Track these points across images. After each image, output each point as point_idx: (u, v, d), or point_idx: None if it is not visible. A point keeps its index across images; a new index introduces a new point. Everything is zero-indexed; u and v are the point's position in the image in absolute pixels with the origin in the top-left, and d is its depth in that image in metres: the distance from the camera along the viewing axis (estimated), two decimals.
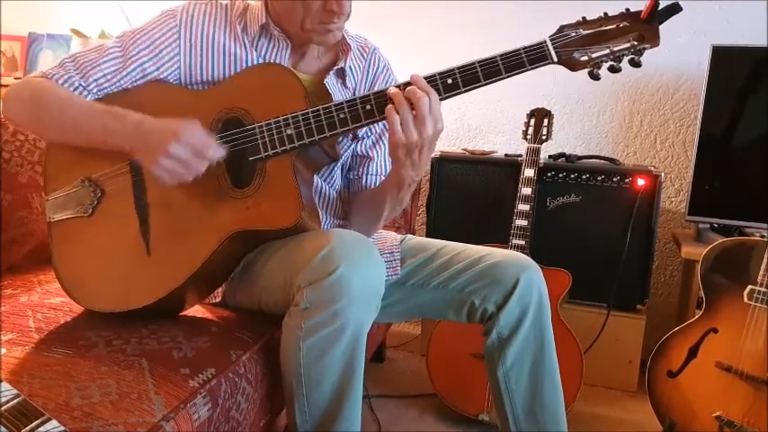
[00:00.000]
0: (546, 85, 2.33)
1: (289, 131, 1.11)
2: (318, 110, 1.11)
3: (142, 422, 0.84)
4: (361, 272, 1.04)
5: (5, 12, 2.80)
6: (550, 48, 1.07)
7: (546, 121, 1.92)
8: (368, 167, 1.36)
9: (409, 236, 1.45)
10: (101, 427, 0.81)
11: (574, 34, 1.08)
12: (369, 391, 1.84)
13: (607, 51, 1.07)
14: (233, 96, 1.16)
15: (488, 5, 2.36)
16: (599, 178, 1.97)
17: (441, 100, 1.09)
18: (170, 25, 1.20)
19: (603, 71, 1.09)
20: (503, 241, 1.81)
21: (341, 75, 1.29)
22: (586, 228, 1.97)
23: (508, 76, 1.09)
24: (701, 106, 1.92)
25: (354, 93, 1.32)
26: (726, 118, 1.92)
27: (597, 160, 2.08)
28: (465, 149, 2.27)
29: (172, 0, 1.31)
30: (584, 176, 1.98)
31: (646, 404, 1.63)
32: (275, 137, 1.11)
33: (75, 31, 2.56)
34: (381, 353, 2.18)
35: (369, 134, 1.35)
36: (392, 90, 1.08)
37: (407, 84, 1.09)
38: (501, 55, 1.08)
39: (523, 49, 1.08)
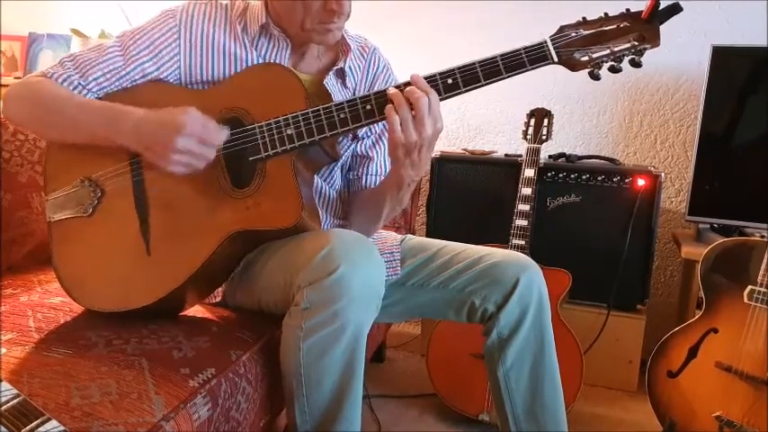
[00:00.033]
0: (546, 85, 2.33)
1: (289, 131, 1.11)
2: (318, 110, 1.11)
3: (142, 422, 0.84)
4: (362, 272, 1.04)
5: (5, 12, 2.80)
6: (551, 48, 1.07)
7: (546, 121, 1.92)
8: (368, 167, 1.36)
9: (409, 236, 1.45)
10: (101, 427, 0.81)
11: (574, 34, 1.08)
12: (369, 391, 1.84)
13: (607, 51, 1.07)
14: (233, 96, 1.16)
15: (488, 5, 2.36)
16: (599, 178, 1.97)
17: (441, 100, 1.09)
18: (170, 25, 1.20)
19: (604, 71, 1.09)
20: (503, 241, 1.81)
21: (341, 75, 1.29)
22: (586, 228, 1.97)
23: (508, 77, 1.09)
24: (701, 106, 1.92)
25: (354, 93, 1.32)
26: (726, 118, 1.92)
27: (597, 160, 2.08)
28: (465, 149, 2.27)
29: (172, 0, 1.31)
30: (584, 176, 1.98)
31: (646, 404, 1.63)
32: (275, 137, 1.11)
33: (76, 31, 2.57)
34: (381, 353, 2.18)
35: (369, 134, 1.35)
36: (392, 90, 1.08)
37: (407, 84, 1.09)
38: (501, 55, 1.08)
39: (524, 49, 1.08)
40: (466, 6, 2.39)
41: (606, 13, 1.08)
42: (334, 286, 1.02)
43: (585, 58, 1.08)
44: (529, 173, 1.86)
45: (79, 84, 1.17)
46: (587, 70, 1.09)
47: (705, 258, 1.58)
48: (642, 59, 1.08)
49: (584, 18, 1.09)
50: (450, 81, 1.09)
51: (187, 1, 1.23)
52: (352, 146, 1.35)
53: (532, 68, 1.08)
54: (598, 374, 1.96)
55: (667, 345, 1.60)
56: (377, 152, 1.37)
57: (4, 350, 1.00)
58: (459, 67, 1.09)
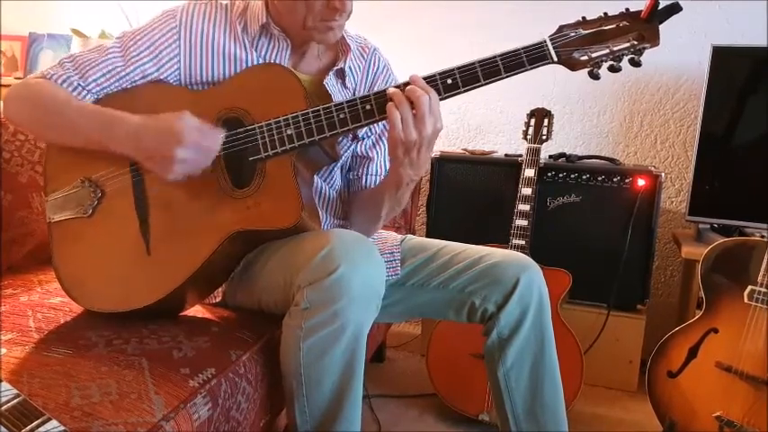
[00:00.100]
0: (546, 85, 2.33)
1: (289, 131, 1.11)
2: (318, 110, 1.11)
3: (142, 422, 0.84)
4: (362, 272, 1.04)
5: (5, 12, 2.80)
6: (550, 47, 1.07)
7: (546, 121, 1.92)
8: (368, 168, 1.36)
9: (409, 236, 1.45)
10: (101, 427, 0.81)
11: (573, 34, 1.08)
12: (369, 391, 1.84)
13: (607, 51, 1.07)
14: (233, 96, 1.16)
15: (488, 5, 2.36)
16: (599, 178, 1.97)
17: (440, 100, 1.09)
18: (170, 26, 1.20)
19: (603, 71, 1.09)
20: (503, 241, 1.81)
21: (341, 75, 1.29)
22: (586, 228, 1.97)
23: (508, 76, 1.09)
24: (702, 106, 1.92)
25: (354, 93, 1.32)
26: (726, 118, 1.92)
27: (597, 160, 2.08)
28: (465, 149, 2.27)
29: (172, 0, 1.31)
30: (584, 176, 1.98)
31: (646, 404, 1.63)
32: (275, 137, 1.11)
33: (76, 31, 2.57)
34: (381, 353, 2.18)
35: (369, 135, 1.35)
36: (392, 90, 1.08)
37: (407, 84, 1.09)
38: (501, 55, 1.08)
39: (523, 48, 1.08)
40: (466, 6, 2.39)
41: (605, 13, 1.08)
42: (334, 286, 1.02)
43: (585, 58, 1.08)
44: (529, 173, 1.86)
45: (79, 85, 1.17)
46: (587, 70, 1.09)
47: (705, 258, 1.58)
48: (642, 59, 1.08)
49: (583, 18, 1.09)
50: (449, 81, 1.09)
51: (187, 1, 1.23)
52: (352, 146, 1.35)
53: (532, 68, 1.08)
54: (598, 374, 1.96)
55: (667, 345, 1.60)
56: (377, 152, 1.37)
57: (4, 350, 1.00)
58: (458, 67, 1.09)
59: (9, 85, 1.58)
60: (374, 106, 1.10)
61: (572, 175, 1.98)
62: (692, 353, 1.56)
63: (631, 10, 1.08)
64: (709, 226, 2.03)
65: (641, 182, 1.92)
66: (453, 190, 2.10)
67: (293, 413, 1.10)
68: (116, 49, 1.19)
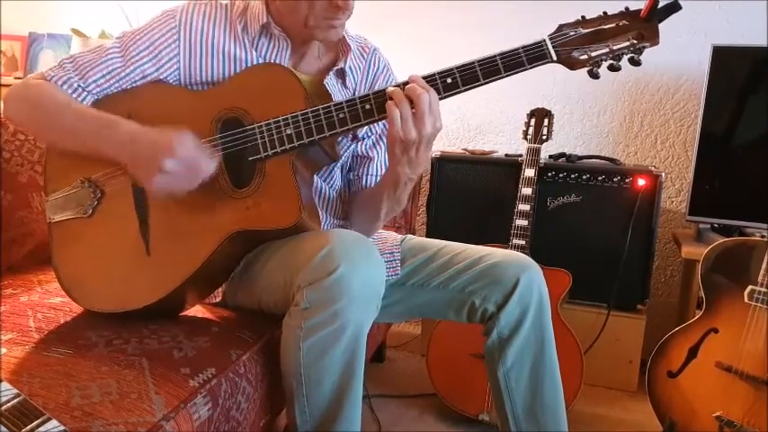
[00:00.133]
0: (546, 84, 2.33)
1: (288, 131, 1.11)
2: (318, 110, 1.11)
3: (142, 422, 0.84)
4: (361, 272, 1.04)
5: (5, 12, 2.80)
6: (549, 46, 1.07)
7: (546, 121, 1.92)
8: (368, 168, 1.36)
9: (409, 236, 1.45)
10: (101, 427, 0.81)
11: (573, 33, 1.08)
12: (369, 391, 1.84)
13: (606, 50, 1.07)
14: (232, 96, 1.16)
15: (488, 5, 2.36)
16: (599, 178, 1.97)
17: (440, 99, 1.09)
18: (170, 26, 1.20)
19: (603, 70, 1.09)
20: (503, 241, 1.81)
21: (341, 75, 1.29)
22: (587, 228, 1.97)
23: (507, 76, 1.08)
24: (702, 106, 1.92)
25: (354, 93, 1.32)
26: (726, 118, 1.92)
27: (597, 160, 2.08)
28: (465, 149, 2.27)
29: (172, 0, 1.31)
30: (584, 176, 1.98)
31: (646, 404, 1.63)
32: (275, 137, 1.11)
33: (76, 31, 2.57)
34: (381, 353, 2.18)
35: (369, 135, 1.35)
36: (392, 88, 1.08)
37: (406, 83, 1.09)
38: (500, 54, 1.08)
39: (522, 48, 1.08)
40: (466, 6, 2.39)
41: (605, 12, 1.08)
42: (334, 286, 1.02)
43: (584, 57, 1.08)
44: (529, 173, 1.86)
45: (79, 86, 1.17)
46: (586, 69, 1.09)
47: (705, 258, 1.58)
48: (641, 58, 1.08)
49: (582, 17, 1.09)
50: (449, 80, 1.09)
51: (187, 1, 1.23)
52: (352, 146, 1.35)
53: (531, 67, 1.08)
54: (598, 374, 1.96)
55: (667, 345, 1.60)
56: (377, 152, 1.37)
57: (4, 350, 1.00)
58: (458, 67, 1.09)
59: (9, 85, 1.59)
60: (374, 106, 1.10)
61: (572, 175, 1.98)
62: (692, 353, 1.56)
63: (631, 9, 1.07)
64: (709, 226, 2.03)
65: (641, 182, 1.92)
66: (453, 190, 2.10)
67: (293, 413, 1.10)
68: (116, 49, 1.19)
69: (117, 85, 1.19)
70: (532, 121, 1.93)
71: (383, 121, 1.10)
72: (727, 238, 1.69)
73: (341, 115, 1.10)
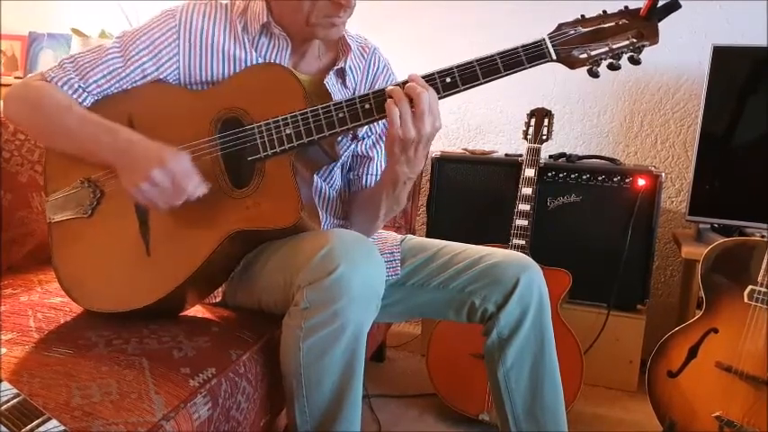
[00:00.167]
0: (546, 84, 2.33)
1: (288, 131, 1.11)
2: (317, 109, 1.11)
3: (142, 422, 0.84)
4: (361, 272, 1.03)
5: (5, 11, 2.80)
6: (549, 46, 1.07)
7: (546, 120, 1.92)
8: (368, 168, 1.36)
9: (409, 236, 1.45)
10: (101, 427, 0.82)
11: (573, 32, 1.07)
12: (369, 391, 1.84)
13: (606, 49, 1.07)
14: (232, 96, 1.15)
15: (488, 5, 2.36)
16: (599, 178, 1.97)
17: (439, 98, 1.08)
18: (170, 25, 1.20)
19: (603, 69, 1.09)
20: (503, 241, 1.81)
21: (341, 75, 1.29)
22: (587, 228, 1.97)
23: (507, 75, 1.08)
24: (702, 106, 1.92)
25: (354, 93, 1.32)
26: (726, 118, 1.92)
27: (598, 160, 2.08)
28: (465, 149, 2.27)
29: (172, 0, 1.31)
30: (584, 176, 1.98)
31: (646, 404, 1.63)
32: (274, 137, 1.11)
33: (76, 31, 2.57)
34: (381, 353, 2.18)
35: (369, 134, 1.35)
36: (391, 87, 1.08)
37: (405, 82, 1.08)
38: (500, 53, 1.08)
39: (522, 47, 1.08)
40: (466, 6, 2.39)
41: (605, 11, 1.08)
42: (334, 286, 1.02)
43: (584, 56, 1.08)
44: (529, 173, 1.86)
45: (79, 87, 1.17)
46: (586, 68, 1.09)
47: (705, 258, 1.58)
48: (641, 57, 1.08)
49: (582, 16, 1.09)
50: (448, 80, 1.09)
51: (187, 0, 1.23)
52: (352, 146, 1.35)
53: (531, 66, 1.08)
54: (598, 374, 1.96)
55: (667, 345, 1.60)
56: (377, 152, 1.37)
57: (4, 350, 1.00)
58: (457, 66, 1.09)
59: (9, 85, 1.58)
60: (373, 105, 1.10)
61: (572, 175, 1.98)
62: (692, 353, 1.56)
63: (630, 8, 1.07)
64: (709, 226, 2.03)
65: (641, 182, 1.92)
66: (453, 190, 2.10)
67: (293, 413, 1.10)
68: (116, 49, 1.19)
69: (117, 85, 1.19)
70: (532, 121, 1.93)
71: (383, 120, 1.10)
72: (727, 238, 1.69)
73: (340, 115, 1.10)
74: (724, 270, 1.56)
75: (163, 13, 1.21)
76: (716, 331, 1.54)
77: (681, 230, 2.16)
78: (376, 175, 1.36)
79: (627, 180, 1.94)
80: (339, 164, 1.33)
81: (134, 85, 1.19)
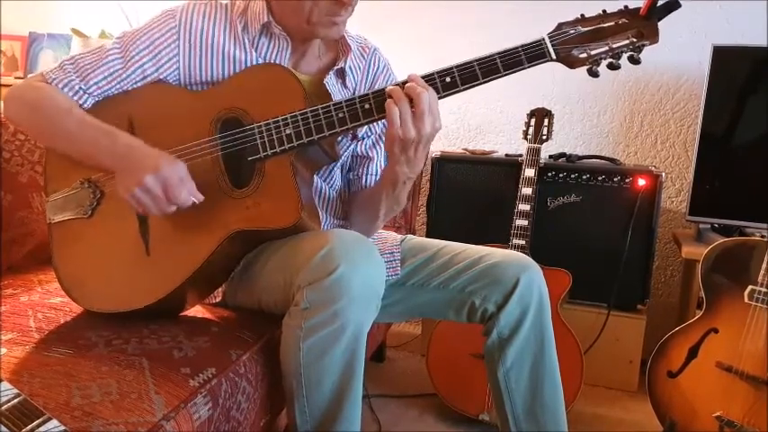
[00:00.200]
0: (546, 84, 2.33)
1: (288, 131, 1.11)
2: (317, 109, 1.11)
3: (143, 422, 0.84)
4: (361, 272, 1.03)
5: (5, 11, 2.80)
6: (549, 45, 1.07)
7: (546, 120, 1.92)
8: (368, 168, 1.36)
9: (409, 236, 1.45)
10: (101, 427, 0.82)
11: (572, 31, 1.07)
12: (369, 391, 1.84)
13: (606, 48, 1.07)
14: (232, 96, 1.15)
15: (488, 5, 2.36)
16: (599, 178, 1.97)
17: (439, 98, 1.08)
18: (170, 25, 1.20)
19: (603, 69, 1.09)
20: (503, 241, 1.81)
21: (341, 75, 1.29)
22: (587, 228, 1.97)
23: (506, 74, 1.08)
24: (702, 106, 1.92)
25: (354, 93, 1.32)
26: (726, 118, 1.92)
27: (598, 160, 2.08)
28: (465, 149, 2.27)
29: (172, 0, 1.31)
30: (584, 176, 1.98)
31: (646, 404, 1.63)
32: (274, 137, 1.11)
33: (76, 31, 2.57)
34: (381, 353, 2.18)
35: (368, 134, 1.35)
36: (391, 87, 1.08)
37: (405, 82, 1.08)
38: (499, 53, 1.08)
39: (522, 46, 1.08)
40: (466, 6, 2.39)
41: (604, 11, 1.08)
42: (334, 286, 1.02)
43: (584, 55, 1.07)
44: (529, 173, 1.86)
45: (80, 88, 1.17)
46: (586, 67, 1.09)
47: (705, 258, 1.58)
48: (641, 56, 1.08)
49: (582, 15, 1.09)
50: (448, 79, 1.09)
51: (187, 1, 1.23)
52: (352, 146, 1.35)
53: (531, 66, 1.08)
54: (598, 374, 1.96)
55: (668, 345, 1.60)
56: (377, 152, 1.37)
57: (4, 350, 1.00)
58: (456, 66, 1.09)
59: (9, 86, 1.58)
60: (373, 105, 1.10)
61: (572, 175, 1.98)
62: (693, 353, 1.56)
63: (630, 7, 1.07)
64: (709, 226, 2.03)
65: (641, 182, 1.92)
66: (453, 190, 2.10)
67: (293, 413, 1.10)
68: (116, 49, 1.19)
69: (118, 86, 1.19)
70: (532, 121, 1.93)
71: (383, 120, 1.10)
72: (727, 238, 1.69)
73: (340, 115, 1.10)
74: (724, 270, 1.56)
75: (163, 14, 1.21)
76: (716, 331, 1.54)
77: (681, 230, 2.16)
78: (376, 175, 1.36)
79: (627, 180, 1.94)
80: (339, 164, 1.33)
81: (135, 85, 1.19)
